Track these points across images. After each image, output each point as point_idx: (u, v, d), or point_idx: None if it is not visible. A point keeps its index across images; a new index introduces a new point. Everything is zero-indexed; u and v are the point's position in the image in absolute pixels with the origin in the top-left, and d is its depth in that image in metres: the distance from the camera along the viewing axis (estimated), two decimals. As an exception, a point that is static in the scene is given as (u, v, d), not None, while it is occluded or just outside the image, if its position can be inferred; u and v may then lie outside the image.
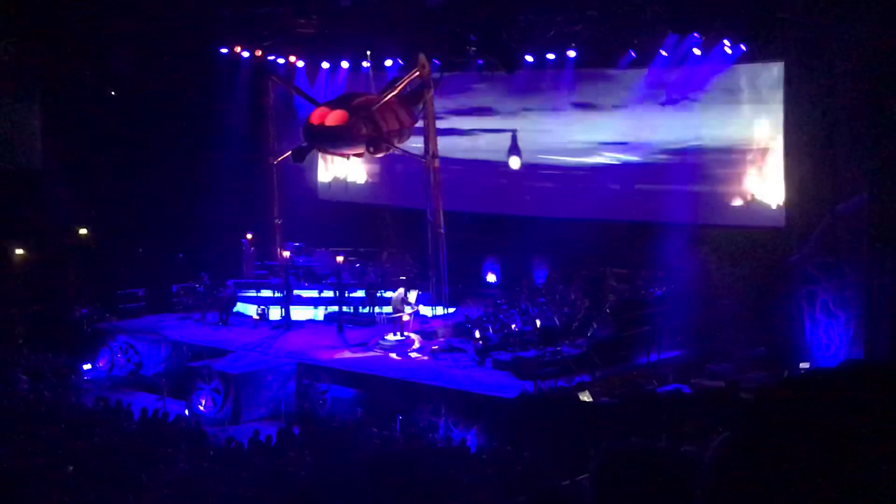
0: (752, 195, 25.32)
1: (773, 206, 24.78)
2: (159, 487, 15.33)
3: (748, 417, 1.83)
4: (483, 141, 29.70)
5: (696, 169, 26.08)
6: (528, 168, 29.08)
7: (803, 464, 1.72)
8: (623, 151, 27.36)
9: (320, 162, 32.12)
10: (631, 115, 26.74)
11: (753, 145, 25.26)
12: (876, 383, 1.77)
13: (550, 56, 26.36)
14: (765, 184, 25.04)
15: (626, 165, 27.30)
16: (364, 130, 24.01)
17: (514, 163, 28.90)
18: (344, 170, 31.33)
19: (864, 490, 1.66)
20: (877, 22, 20.64)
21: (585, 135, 27.92)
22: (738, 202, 25.54)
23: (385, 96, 24.77)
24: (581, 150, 28.07)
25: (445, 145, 27.84)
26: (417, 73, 25.06)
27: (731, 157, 25.61)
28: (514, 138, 28.91)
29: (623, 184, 27.05)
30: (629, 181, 27.03)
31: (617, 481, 3.06)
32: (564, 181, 28.48)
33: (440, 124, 28.07)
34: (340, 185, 32.35)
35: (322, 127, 24.07)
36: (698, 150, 26.04)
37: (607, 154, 27.66)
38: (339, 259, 28.18)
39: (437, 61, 26.83)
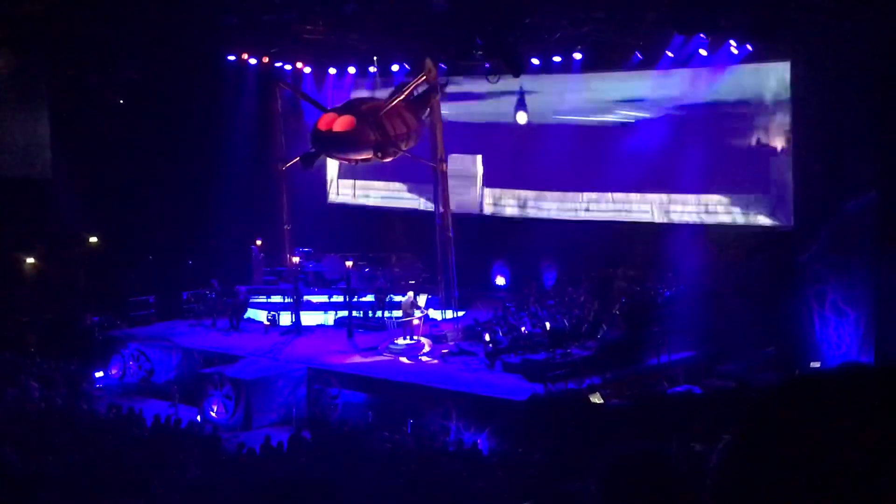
0: (761, 193, 25.31)
1: (782, 205, 24.76)
2: (171, 493, 15.39)
3: (751, 420, 1.86)
4: (498, 103, 29.48)
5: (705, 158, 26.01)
6: (544, 129, 28.64)
7: (806, 468, 1.75)
8: (639, 109, 27.07)
9: (329, 168, 32.19)
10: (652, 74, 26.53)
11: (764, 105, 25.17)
12: (875, 386, 1.80)
13: (557, 59, 26.39)
14: (773, 182, 25.02)
15: (642, 128, 26.95)
16: (372, 136, 24.05)
17: (521, 118, 28.63)
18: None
19: (865, 493, 1.69)
20: (883, 20, 20.64)
21: (602, 94, 27.72)
22: (746, 200, 25.52)
23: (392, 101, 24.82)
24: (597, 110, 27.87)
25: (459, 110, 27.66)
26: (424, 77, 25.11)
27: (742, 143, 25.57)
28: (520, 94, 28.65)
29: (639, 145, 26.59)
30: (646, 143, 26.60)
31: (624, 484, 3.09)
32: (581, 143, 28.00)
33: (456, 88, 28.06)
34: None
35: (330, 132, 24.13)
36: (713, 110, 25.85)
37: (622, 112, 27.37)
38: (349, 264, 28.21)
39: (443, 66, 26.87)
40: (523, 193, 29.40)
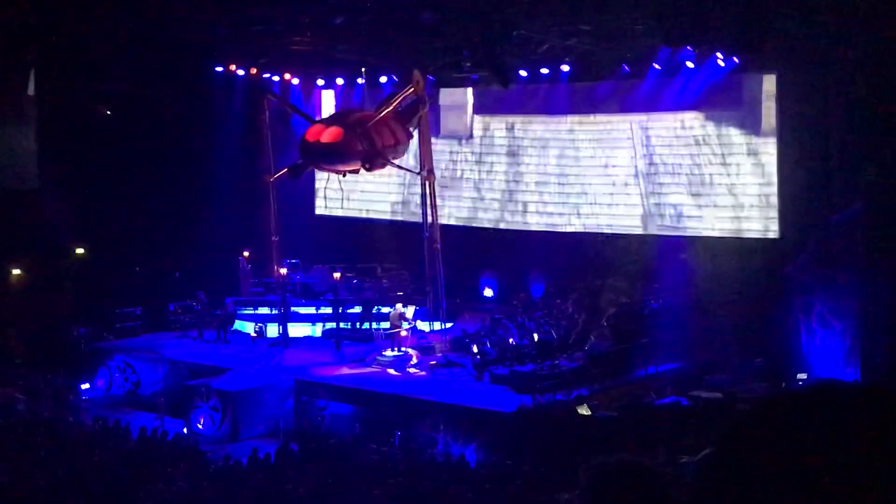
0: (748, 205, 25.38)
1: (768, 217, 24.84)
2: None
3: (728, 436, 1.87)
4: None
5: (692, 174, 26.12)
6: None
7: (782, 484, 1.76)
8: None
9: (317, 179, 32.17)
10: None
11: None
12: (852, 404, 1.81)
13: (544, 70, 26.45)
14: (760, 194, 25.10)
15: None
16: (359, 147, 24.02)
17: None
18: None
19: None
20: (868, 32, 20.75)
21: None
22: (733, 213, 25.58)
23: (380, 112, 24.82)
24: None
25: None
26: (412, 89, 25.12)
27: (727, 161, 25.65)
28: None
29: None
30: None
31: (609, 497, 3.09)
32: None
33: None
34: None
35: (318, 143, 24.08)
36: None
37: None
38: (336, 275, 28.18)
39: (431, 77, 26.90)
40: (511, 119, 29.42)
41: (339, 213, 30.44)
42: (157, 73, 28.75)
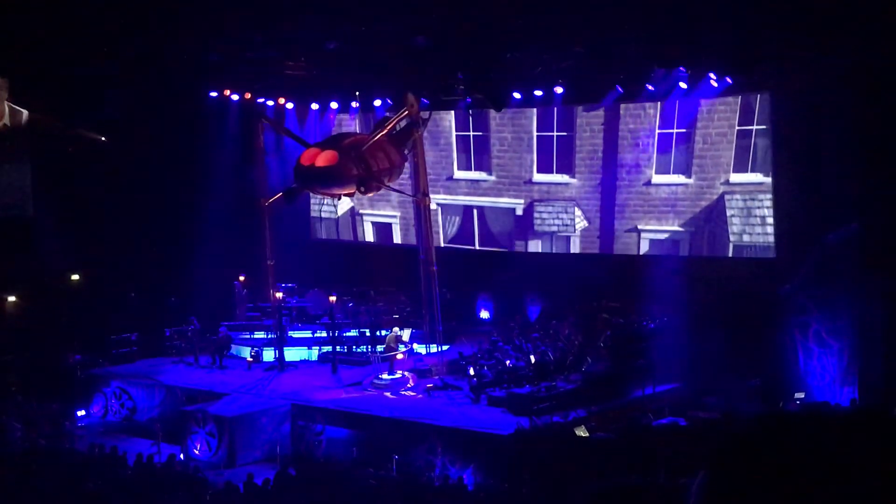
0: (743, 226, 25.43)
1: (763, 237, 24.87)
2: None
3: (721, 459, 1.87)
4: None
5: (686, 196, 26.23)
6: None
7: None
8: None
9: (312, 202, 32.21)
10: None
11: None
12: (843, 429, 1.81)
13: (538, 92, 26.53)
14: (754, 215, 25.14)
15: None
16: (354, 170, 24.03)
17: None
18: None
19: None
20: (861, 52, 20.85)
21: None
22: (728, 233, 25.63)
23: (375, 136, 24.85)
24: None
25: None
26: (406, 112, 25.16)
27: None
28: None
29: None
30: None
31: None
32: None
33: None
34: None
35: (312, 168, 24.09)
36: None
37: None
38: (332, 299, 28.14)
39: (425, 100, 26.95)
40: None
41: (334, 235, 30.48)
42: (152, 100, 28.79)
